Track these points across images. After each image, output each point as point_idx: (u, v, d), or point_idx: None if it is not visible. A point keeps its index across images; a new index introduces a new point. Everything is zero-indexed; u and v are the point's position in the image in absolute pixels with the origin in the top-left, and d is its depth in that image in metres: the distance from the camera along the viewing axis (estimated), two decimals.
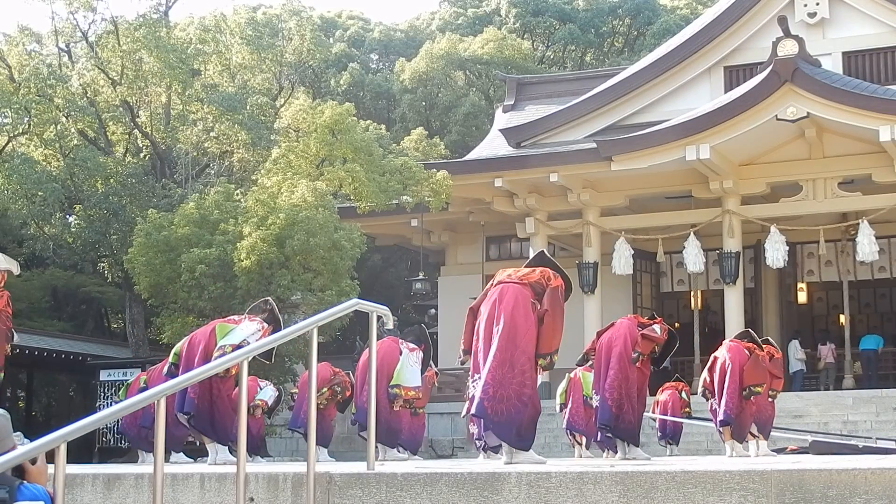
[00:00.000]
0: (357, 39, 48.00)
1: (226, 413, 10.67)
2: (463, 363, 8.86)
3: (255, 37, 30.49)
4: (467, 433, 21.57)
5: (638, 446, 11.32)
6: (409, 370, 13.90)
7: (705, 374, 13.44)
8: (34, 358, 26.67)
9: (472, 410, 8.18)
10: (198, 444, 11.48)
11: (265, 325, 10.72)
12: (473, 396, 8.31)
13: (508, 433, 8.06)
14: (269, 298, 11.69)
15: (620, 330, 11.31)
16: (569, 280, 8.64)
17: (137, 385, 16.20)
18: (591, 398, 13.63)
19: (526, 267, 8.70)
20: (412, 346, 14.20)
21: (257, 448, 16.42)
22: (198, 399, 10.67)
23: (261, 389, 16.46)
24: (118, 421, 24.43)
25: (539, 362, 8.22)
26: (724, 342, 13.54)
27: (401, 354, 13.91)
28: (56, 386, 35.47)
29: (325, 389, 15.75)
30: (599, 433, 12.76)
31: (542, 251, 9.43)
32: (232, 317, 11.59)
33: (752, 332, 14.01)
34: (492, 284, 8.59)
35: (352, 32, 48.55)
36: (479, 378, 8.20)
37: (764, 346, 13.41)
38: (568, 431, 15.81)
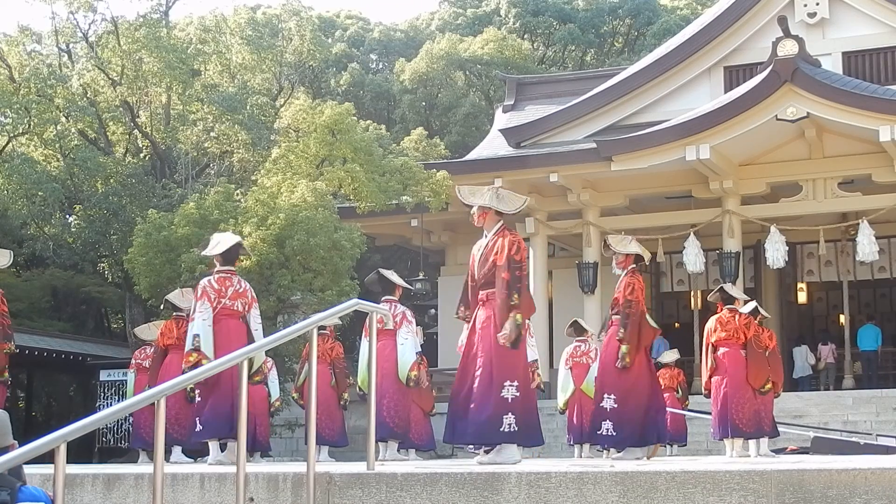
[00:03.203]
0: (357, 39, 47.97)
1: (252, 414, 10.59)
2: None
3: (255, 37, 30.43)
4: None
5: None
6: (404, 351, 12.77)
7: (705, 381, 13.49)
8: (34, 358, 26.64)
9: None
10: None
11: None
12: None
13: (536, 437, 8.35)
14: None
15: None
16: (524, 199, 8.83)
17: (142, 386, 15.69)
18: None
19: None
20: (393, 313, 12.73)
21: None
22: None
23: (268, 386, 15.83)
24: (121, 425, 24.60)
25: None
26: (714, 343, 13.47)
27: (396, 343, 12.78)
28: (56, 386, 35.45)
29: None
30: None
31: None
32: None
33: (726, 289, 13.86)
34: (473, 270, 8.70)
35: (351, 32, 48.53)
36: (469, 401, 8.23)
37: (756, 317, 13.44)
38: (580, 444, 15.32)
